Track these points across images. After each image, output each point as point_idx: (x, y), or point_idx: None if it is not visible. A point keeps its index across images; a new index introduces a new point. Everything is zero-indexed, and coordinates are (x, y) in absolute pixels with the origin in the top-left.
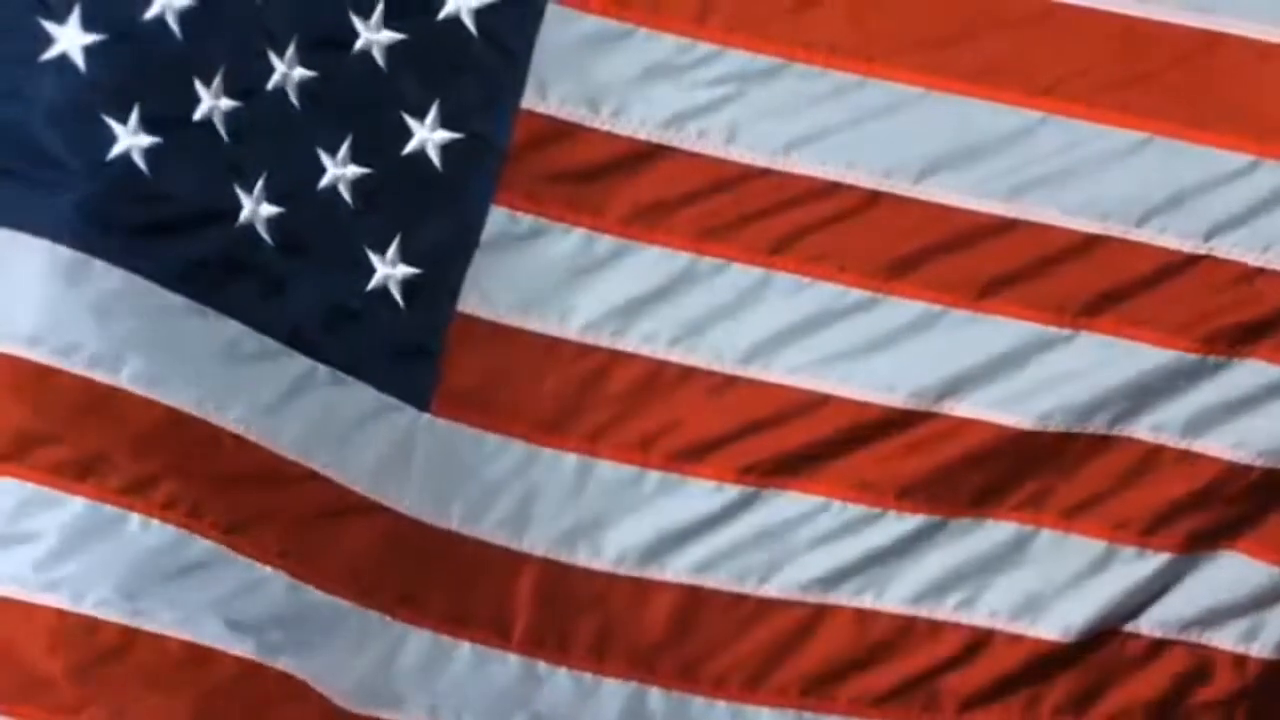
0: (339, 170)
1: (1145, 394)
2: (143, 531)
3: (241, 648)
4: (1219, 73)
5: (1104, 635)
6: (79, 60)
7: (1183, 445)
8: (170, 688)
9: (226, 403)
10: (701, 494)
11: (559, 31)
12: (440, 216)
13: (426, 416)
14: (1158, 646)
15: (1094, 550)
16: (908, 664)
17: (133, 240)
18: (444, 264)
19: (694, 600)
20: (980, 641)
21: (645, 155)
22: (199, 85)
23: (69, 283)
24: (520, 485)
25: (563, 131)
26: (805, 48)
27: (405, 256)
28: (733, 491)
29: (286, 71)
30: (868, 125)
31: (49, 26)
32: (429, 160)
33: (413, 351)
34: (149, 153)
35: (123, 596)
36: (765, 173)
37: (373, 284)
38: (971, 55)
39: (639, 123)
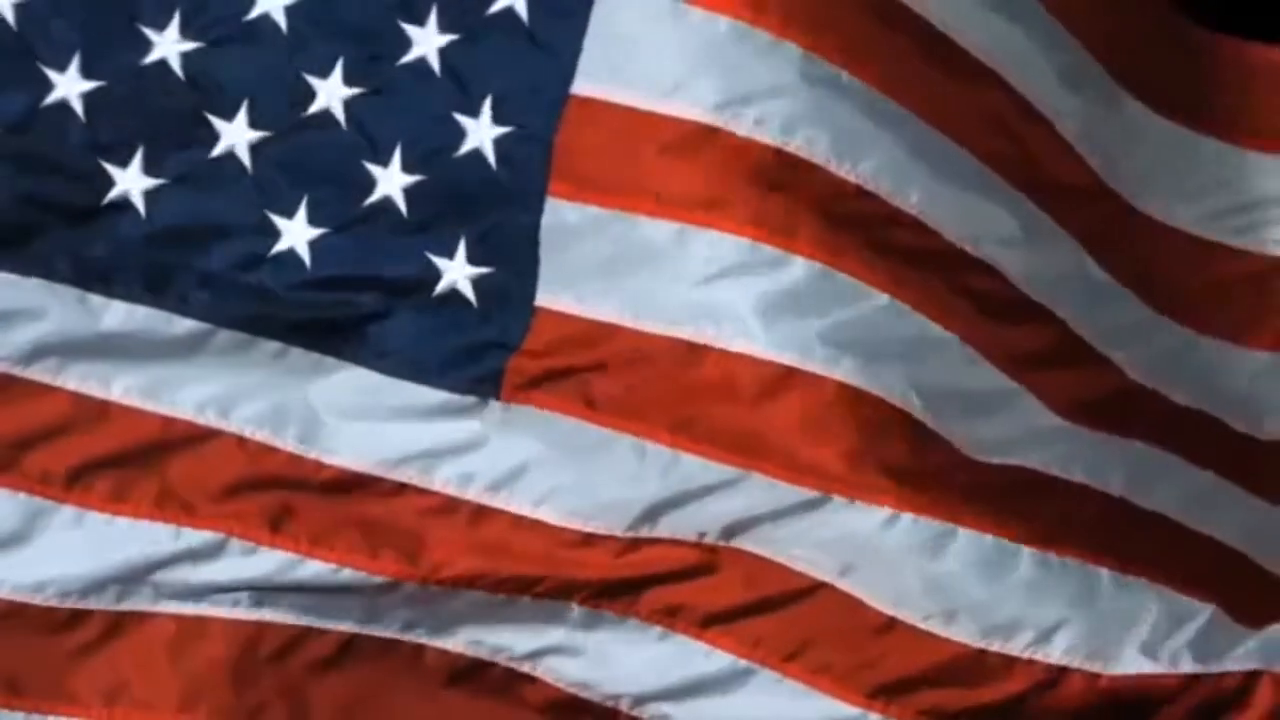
0: (391, 182)
1: None
2: None
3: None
4: None
5: (1196, 678)
6: (78, 108)
7: None
8: None
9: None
10: (789, 493)
11: (612, 12)
12: (501, 214)
13: (497, 403)
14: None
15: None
16: (980, 693)
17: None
18: (513, 260)
19: (764, 572)
20: (1055, 679)
21: (702, 138)
22: (217, 121)
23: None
24: (596, 469)
25: (616, 115)
26: (861, 62)
27: (472, 258)
28: (810, 494)
29: (332, 93)
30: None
31: (50, 73)
32: (484, 158)
33: (488, 348)
34: (149, 195)
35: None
36: (818, 169)
37: (440, 289)
38: None
39: (692, 104)
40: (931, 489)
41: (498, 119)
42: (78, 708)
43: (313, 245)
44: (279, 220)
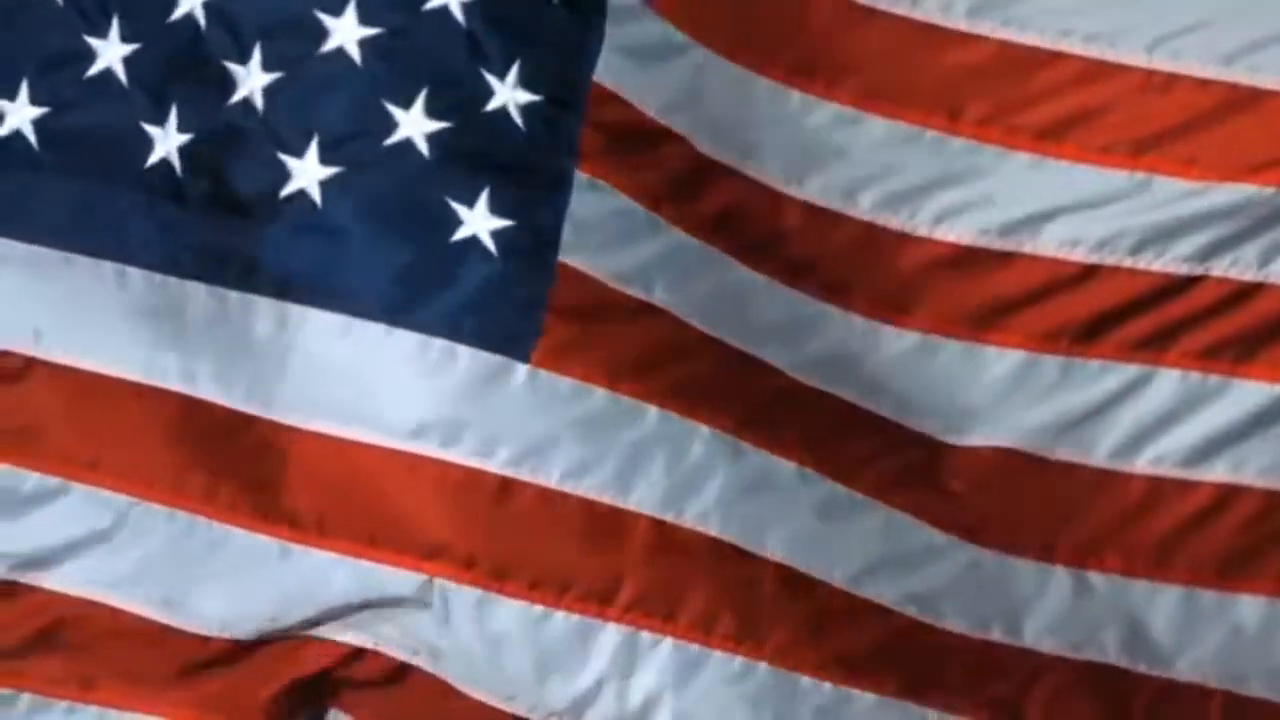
0: (413, 124)
1: (1147, 422)
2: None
3: None
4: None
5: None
6: (120, 72)
7: (1182, 475)
8: None
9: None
10: (786, 473)
11: (618, 16)
12: (527, 173)
13: (526, 368)
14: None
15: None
16: (981, 685)
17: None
18: (537, 217)
19: (791, 580)
20: (1043, 666)
21: (696, 164)
22: (232, 67)
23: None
24: (625, 440)
25: (626, 113)
26: (827, 85)
27: (495, 209)
28: (832, 486)
29: (346, 32)
30: (878, 157)
31: (92, 41)
32: (511, 119)
33: (512, 302)
34: (183, 151)
35: None
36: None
37: (459, 236)
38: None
39: (687, 129)
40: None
41: (525, 85)
42: (144, 705)
43: (326, 185)
44: (287, 160)
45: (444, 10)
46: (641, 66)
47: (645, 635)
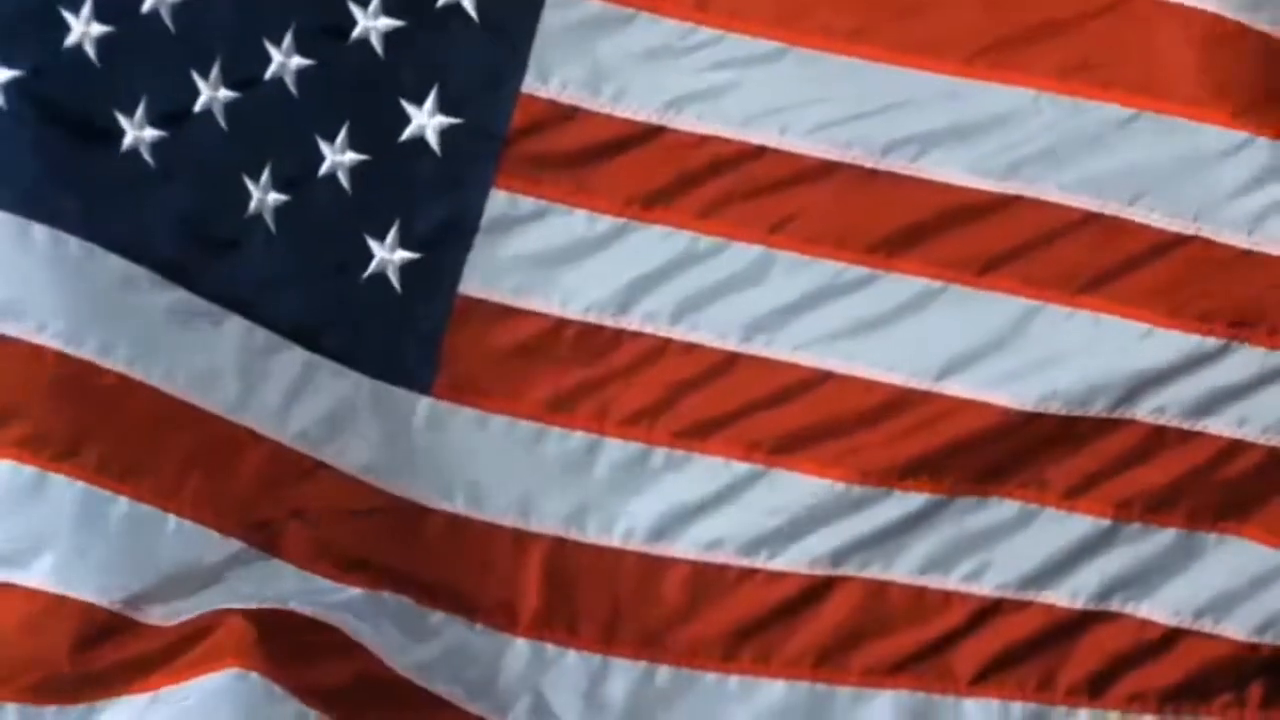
0: (338, 157)
1: (1145, 376)
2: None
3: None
4: (1207, 50)
5: (1119, 619)
6: (91, 51)
7: (1185, 425)
8: None
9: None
10: (708, 471)
11: (560, 15)
12: (439, 201)
13: (427, 400)
14: (1173, 635)
15: (1099, 526)
16: (918, 633)
17: (135, 236)
18: (444, 248)
19: (703, 575)
20: (989, 610)
21: (645, 136)
22: (196, 77)
23: (77, 277)
24: (527, 465)
25: (563, 114)
26: (804, 33)
27: (404, 242)
28: (740, 468)
29: (284, 60)
30: (865, 106)
31: (66, 15)
32: (428, 146)
33: (412, 337)
34: (154, 146)
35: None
36: (762, 151)
37: (370, 270)
38: (965, 38)
39: (639, 105)
40: None
41: (444, 109)
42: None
43: (278, 212)
44: (249, 183)
45: (365, 42)
46: (587, 57)
47: (550, 648)
